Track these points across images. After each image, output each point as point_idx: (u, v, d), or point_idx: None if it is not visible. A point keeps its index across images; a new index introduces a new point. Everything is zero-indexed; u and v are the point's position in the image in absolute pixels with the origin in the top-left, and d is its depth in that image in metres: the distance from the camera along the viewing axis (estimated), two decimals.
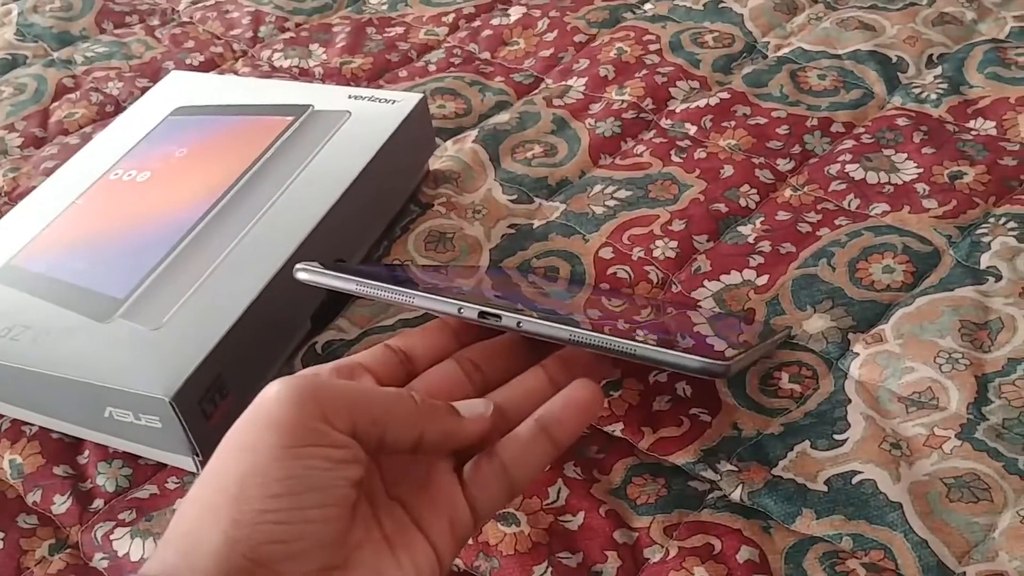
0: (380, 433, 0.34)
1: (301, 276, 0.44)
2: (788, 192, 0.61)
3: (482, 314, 0.40)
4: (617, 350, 0.38)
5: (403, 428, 0.34)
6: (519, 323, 0.40)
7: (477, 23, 0.83)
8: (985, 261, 0.54)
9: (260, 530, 0.30)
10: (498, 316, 0.40)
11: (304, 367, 0.53)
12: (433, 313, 0.42)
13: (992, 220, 0.57)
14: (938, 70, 0.70)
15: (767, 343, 0.48)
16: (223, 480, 0.31)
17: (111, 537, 0.46)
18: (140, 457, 0.50)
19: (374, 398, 0.34)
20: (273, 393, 0.32)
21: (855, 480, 0.44)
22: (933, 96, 0.67)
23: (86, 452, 0.51)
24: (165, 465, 0.50)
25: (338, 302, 0.57)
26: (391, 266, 0.56)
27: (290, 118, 0.62)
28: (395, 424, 0.34)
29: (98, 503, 0.48)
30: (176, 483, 0.49)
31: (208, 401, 0.47)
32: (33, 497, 0.49)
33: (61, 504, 0.48)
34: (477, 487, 0.36)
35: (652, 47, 0.75)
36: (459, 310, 0.41)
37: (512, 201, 0.63)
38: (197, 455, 0.48)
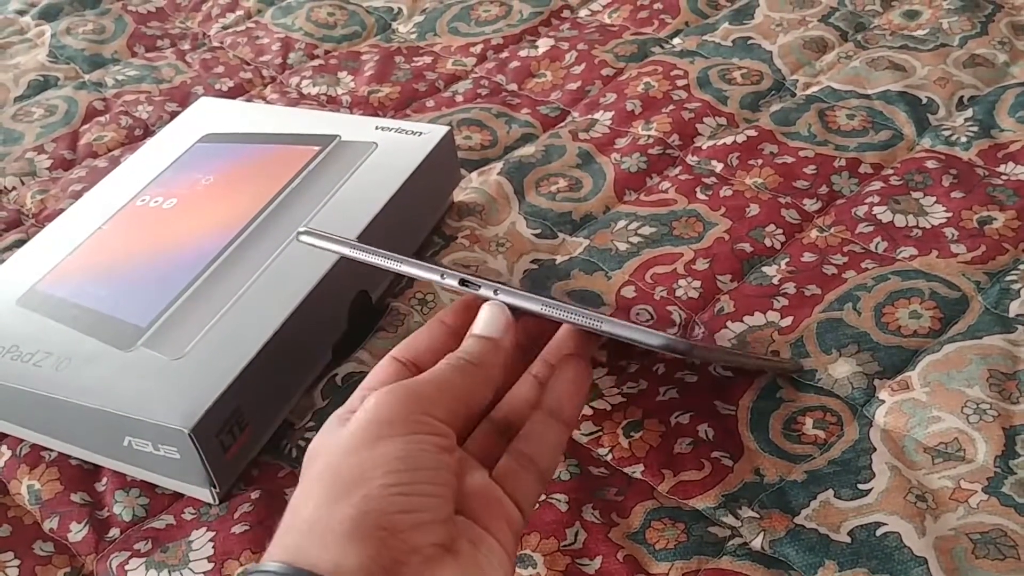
0: (467, 407, 0.38)
1: (303, 239, 0.46)
2: (814, 233, 0.61)
3: (462, 281, 0.42)
4: (583, 324, 0.39)
5: (481, 394, 0.39)
6: (496, 291, 0.41)
7: (505, 54, 0.83)
8: (1015, 309, 0.53)
9: (388, 501, 0.32)
10: (477, 285, 0.41)
11: (324, 400, 0.53)
12: (418, 279, 0.45)
13: (1022, 267, 0.56)
14: (968, 112, 0.69)
15: (761, 360, 0.48)
16: (344, 472, 0.34)
17: (126, 567, 0.46)
18: (157, 486, 0.50)
19: (452, 379, 0.38)
20: (375, 399, 0.36)
21: (879, 532, 0.43)
22: (963, 139, 0.67)
23: (104, 479, 0.51)
24: (182, 495, 0.49)
25: (360, 333, 0.57)
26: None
27: (317, 148, 0.63)
28: (475, 396, 0.38)
29: (114, 532, 0.48)
30: (192, 514, 0.48)
31: (227, 433, 0.47)
32: (50, 524, 0.49)
33: (78, 532, 0.48)
34: (512, 484, 0.39)
35: (680, 82, 0.75)
36: (441, 276, 0.42)
37: (536, 235, 0.63)
38: (214, 487, 0.47)
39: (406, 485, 0.33)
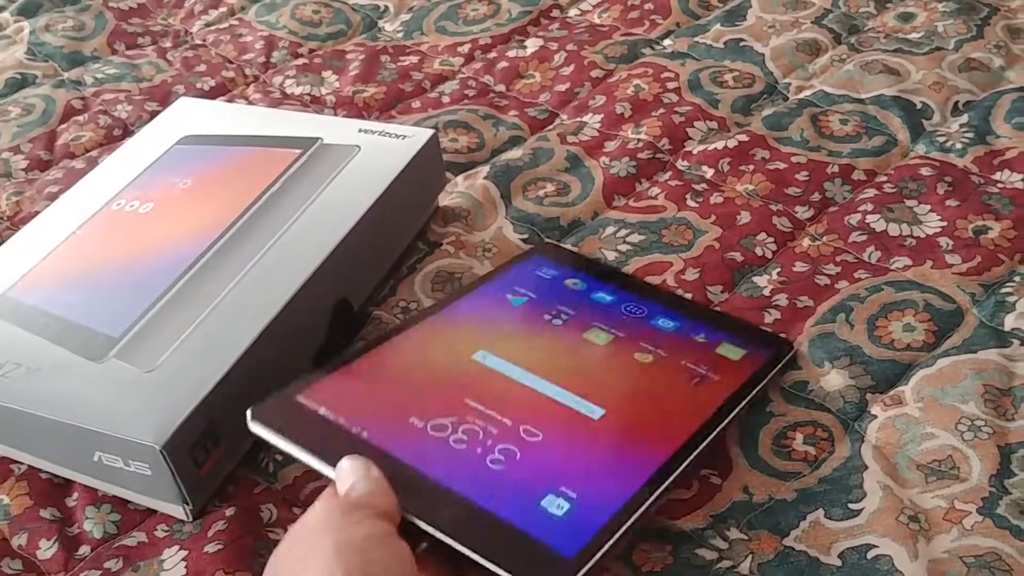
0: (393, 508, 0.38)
1: (253, 427, 0.42)
2: (806, 242, 0.59)
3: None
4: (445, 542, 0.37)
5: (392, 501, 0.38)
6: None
7: (493, 54, 0.81)
8: (1010, 323, 0.52)
9: None
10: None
11: None
12: None
13: (1018, 279, 0.55)
14: (964, 118, 0.68)
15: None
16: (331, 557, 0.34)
17: None
18: (129, 502, 0.48)
19: (370, 486, 0.38)
20: (317, 507, 0.37)
21: (870, 555, 0.42)
22: (958, 145, 0.65)
23: (75, 494, 0.49)
24: (155, 511, 0.48)
25: (341, 343, 0.55)
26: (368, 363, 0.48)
27: (298, 151, 0.61)
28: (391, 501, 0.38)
29: (84, 550, 0.47)
30: (165, 531, 0.47)
31: (200, 449, 0.46)
32: (19, 540, 0.47)
33: (47, 549, 0.47)
34: None
35: (670, 85, 0.74)
36: None
37: (523, 241, 0.62)
38: (187, 503, 0.46)
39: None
